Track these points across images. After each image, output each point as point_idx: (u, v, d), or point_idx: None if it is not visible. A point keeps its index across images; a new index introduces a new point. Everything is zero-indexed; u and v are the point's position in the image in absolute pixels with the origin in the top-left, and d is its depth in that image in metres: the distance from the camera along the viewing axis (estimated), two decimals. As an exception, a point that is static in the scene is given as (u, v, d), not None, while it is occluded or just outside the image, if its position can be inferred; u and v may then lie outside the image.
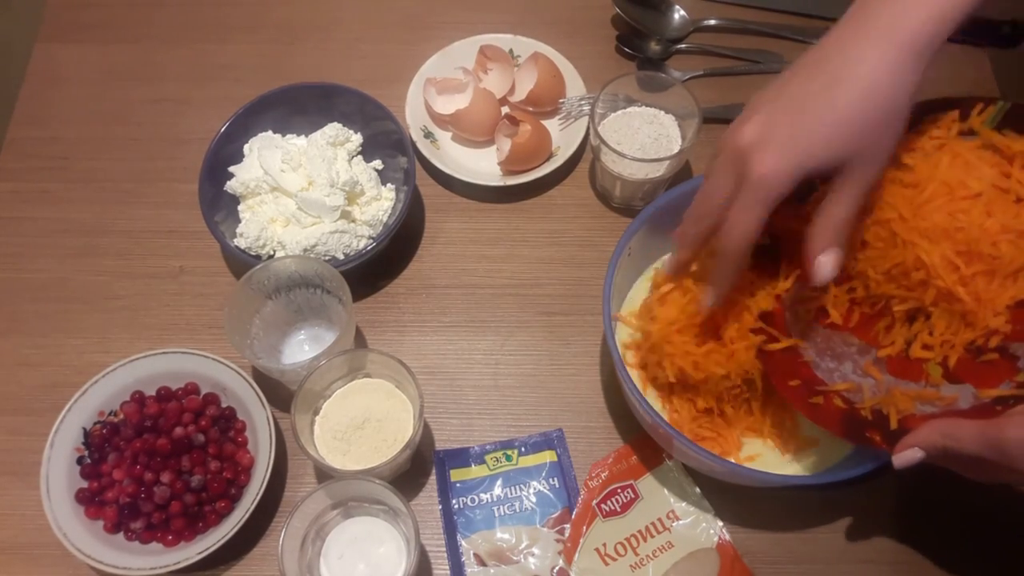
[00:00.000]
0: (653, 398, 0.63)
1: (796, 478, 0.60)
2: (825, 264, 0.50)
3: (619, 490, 0.63)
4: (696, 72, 0.84)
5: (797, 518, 0.64)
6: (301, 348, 0.69)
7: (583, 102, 0.79)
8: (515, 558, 0.61)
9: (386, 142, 0.75)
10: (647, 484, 0.64)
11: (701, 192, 0.53)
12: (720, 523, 0.63)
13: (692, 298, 0.58)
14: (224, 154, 0.73)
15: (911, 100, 0.47)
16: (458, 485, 0.64)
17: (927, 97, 0.52)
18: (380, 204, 0.73)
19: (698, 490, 0.64)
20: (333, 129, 0.73)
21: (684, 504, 0.63)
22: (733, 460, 0.60)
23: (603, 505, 0.63)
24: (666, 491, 0.64)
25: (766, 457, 0.62)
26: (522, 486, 0.64)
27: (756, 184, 0.48)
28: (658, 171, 0.70)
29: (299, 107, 0.75)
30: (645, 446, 0.65)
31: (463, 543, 0.62)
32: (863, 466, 0.55)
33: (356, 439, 0.62)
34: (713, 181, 0.51)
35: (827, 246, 0.50)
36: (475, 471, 0.65)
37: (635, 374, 0.63)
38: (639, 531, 0.62)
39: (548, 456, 0.65)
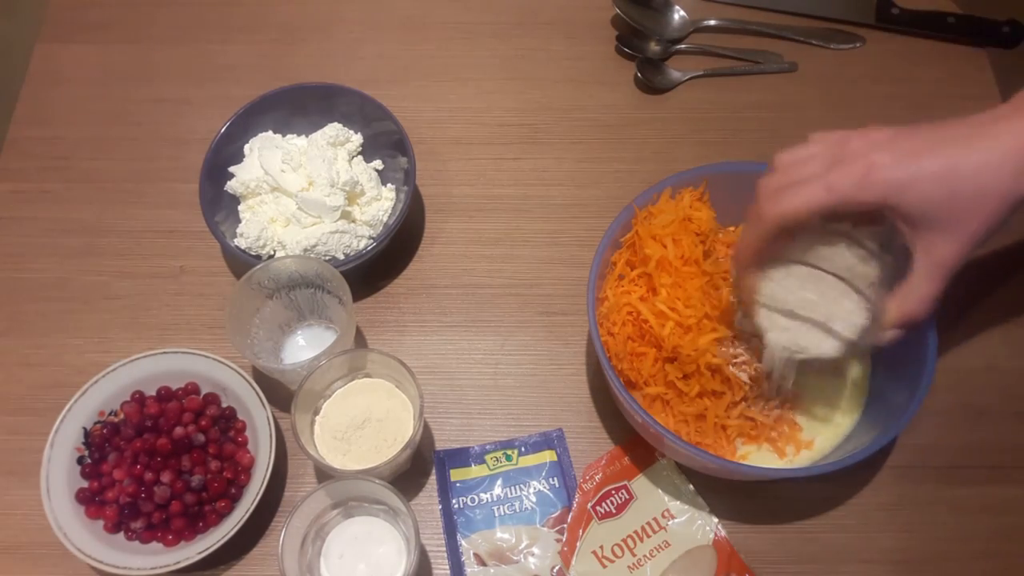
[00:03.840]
0: (640, 397, 0.63)
1: (786, 471, 0.61)
2: (891, 336, 0.53)
3: (613, 491, 0.64)
4: (696, 72, 0.84)
5: (794, 515, 0.64)
6: (301, 348, 0.69)
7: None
8: (515, 558, 0.61)
9: (386, 142, 0.75)
10: (641, 484, 0.64)
11: (791, 154, 0.52)
12: (715, 519, 0.63)
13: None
14: (224, 154, 0.73)
15: (1011, 208, 0.47)
16: (458, 485, 0.64)
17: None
18: (380, 204, 0.73)
19: (691, 487, 0.64)
20: (333, 129, 0.73)
21: (678, 502, 0.63)
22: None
23: (598, 507, 0.63)
24: (660, 490, 0.64)
25: (759, 457, 0.62)
26: (522, 486, 0.64)
27: (855, 172, 0.47)
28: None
29: (299, 107, 0.75)
30: (637, 446, 0.65)
31: (463, 543, 0.62)
32: (851, 457, 0.55)
33: (356, 439, 0.62)
34: (807, 150, 0.51)
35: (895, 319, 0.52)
36: (475, 471, 0.65)
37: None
38: (635, 531, 0.62)
39: (548, 456, 0.65)
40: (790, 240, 0.54)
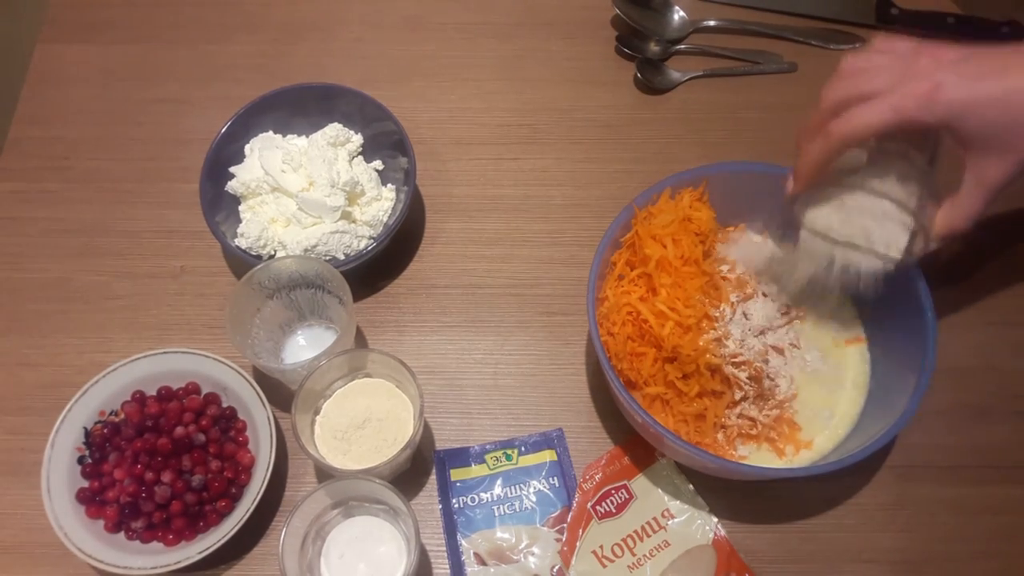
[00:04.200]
0: (640, 397, 0.63)
1: (786, 471, 0.61)
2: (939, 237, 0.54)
3: (613, 491, 0.64)
4: (696, 73, 0.84)
5: (794, 515, 0.64)
6: (301, 348, 0.69)
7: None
8: (515, 557, 0.61)
9: (386, 142, 0.75)
10: (640, 484, 0.64)
11: (857, 60, 0.52)
12: (715, 519, 0.63)
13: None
14: (225, 154, 0.73)
15: None
16: (458, 484, 0.64)
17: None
18: (380, 204, 0.73)
19: (691, 487, 0.64)
20: (334, 129, 0.73)
21: (678, 502, 0.63)
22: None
23: (598, 507, 0.63)
24: (660, 490, 0.64)
25: (759, 457, 0.62)
26: (522, 485, 0.64)
27: (922, 92, 0.48)
28: None
29: (300, 107, 0.75)
30: (637, 446, 0.65)
31: (463, 542, 0.62)
32: (851, 457, 0.55)
33: (356, 439, 0.62)
34: (874, 59, 0.51)
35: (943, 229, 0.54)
36: (475, 470, 0.65)
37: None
38: (635, 531, 0.62)
39: (548, 455, 0.66)
40: (840, 165, 0.55)
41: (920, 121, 0.49)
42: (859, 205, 0.56)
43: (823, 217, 0.57)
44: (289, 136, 0.76)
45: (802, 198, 0.58)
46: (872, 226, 0.56)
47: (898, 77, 0.50)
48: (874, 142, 0.55)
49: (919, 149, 0.54)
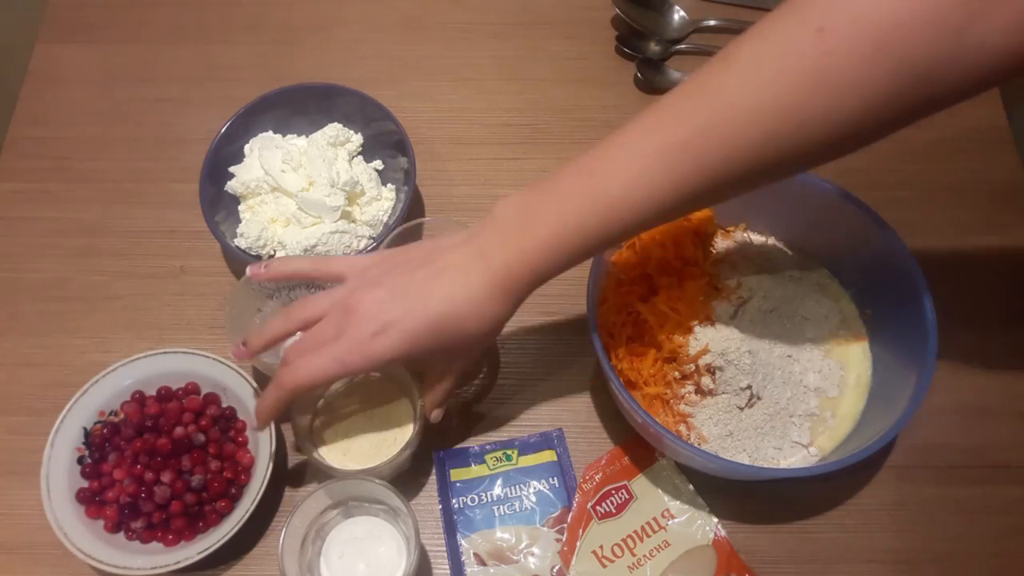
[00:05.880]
0: (640, 397, 0.63)
1: (786, 471, 0.61)
2: (436, 416, 0.60)
3: (613, 491, 0.64)
4: (696, 72, 0.84)
5: (794, 515, 0.64)
6: (301, 348, 0.69)
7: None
8: (515, 558, 0.61)
9: (386, 142, 0.75)
10: (641, 484, 0.64)
11: (302, 310, 0.55)
12: (715, 519, 0.63)
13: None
14: (225, 154, 0.73)
15: (495, 322, 0.53)
16: (458, 485, 0.64)
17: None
18: (380, 204, 0.73)
19: (691, 487, 0.64)
20: (333, 129, 0.73)
21: (678, 502, 0.63)
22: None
23: (598, 507, 0.63)
24: (660, 490, 0.64)
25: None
26: (522, 486, 0.64)
27: (361, 349, 0.52)
28: None
29: (300, 107, 0.75)
30: (637, 446, 0.65)
31: (463, 543, 0.62)
32: (851, 457, 0.55)
33: (356, 439, 0.62)
34: (319, 305, 0.55)
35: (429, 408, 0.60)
36: (475, 471, 0.65)
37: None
38: (635, 531, 0.62)
39: (548, 456, 0.65)
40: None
41: (364, 371, 0.54)
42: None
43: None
44: (289, 136, 0.76)
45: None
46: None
47: (341, 326, 0.53)
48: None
49: None
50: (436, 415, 0.60)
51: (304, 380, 0.53)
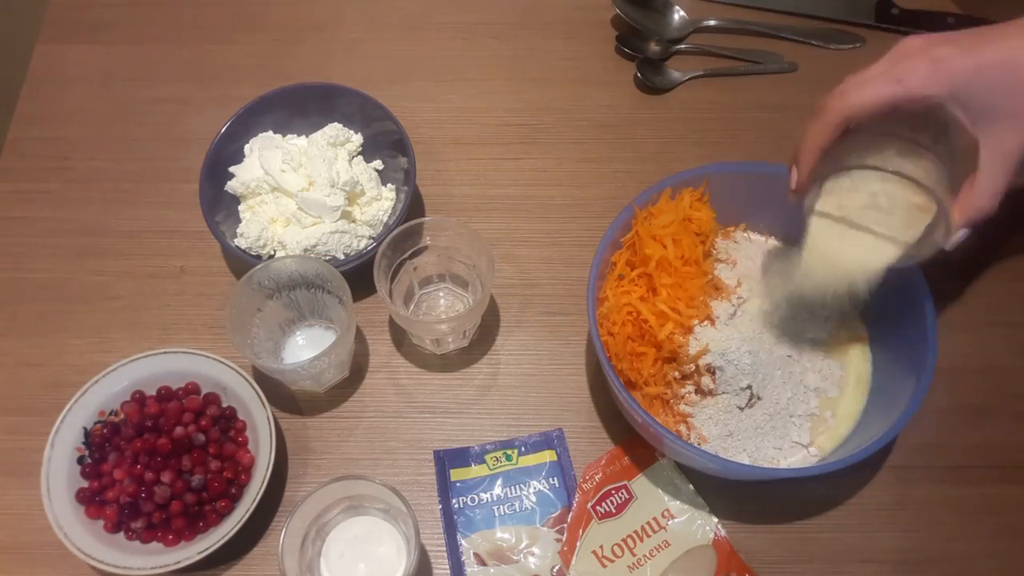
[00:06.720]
0: (640, 397, 0.63)
1: (786, 471, 0.61)
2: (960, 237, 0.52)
3: (613, 491, 0.64)
4: (696, 72, 0.84)
5: (794, 515, 0.64)
6: (301, 348, 0.69)
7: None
8: (515, 557, 0.61)
9: (386, 142, 0.75)
10: (641, 484, 0.64)
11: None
12: (715, 519, 0.63)
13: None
14: (225, 154, 0.73)
15: None
16: (458, 485, 0.64)
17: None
18: (380, 204, 0.73)
19: (691, 487, 0.64)
20: (333, 129, 0.73)
21: (678, 502, 0.63)
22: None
23: (598, 507, 0.63)
24: (660, 490, 0.64)
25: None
26: (522, 486, 0.64)
27: (922, 65, 0.47)
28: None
29: (300, 107, 0.75)
30: (637, 446, 0.65)
31: (463, 542, 0.62)
32: (851, 457, 0.55)
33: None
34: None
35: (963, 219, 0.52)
36: (475, 471, 0.65)
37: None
38: (635, 531, 0.62)
39: (548, 456, 0.65)
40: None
41: (925, 95, 0.48)
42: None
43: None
44: (289, 136, 0.76)
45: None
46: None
47: (893, 62, 0.49)
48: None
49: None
50: (959, 236, 0.52)
51: (856, 102, 0.49)
